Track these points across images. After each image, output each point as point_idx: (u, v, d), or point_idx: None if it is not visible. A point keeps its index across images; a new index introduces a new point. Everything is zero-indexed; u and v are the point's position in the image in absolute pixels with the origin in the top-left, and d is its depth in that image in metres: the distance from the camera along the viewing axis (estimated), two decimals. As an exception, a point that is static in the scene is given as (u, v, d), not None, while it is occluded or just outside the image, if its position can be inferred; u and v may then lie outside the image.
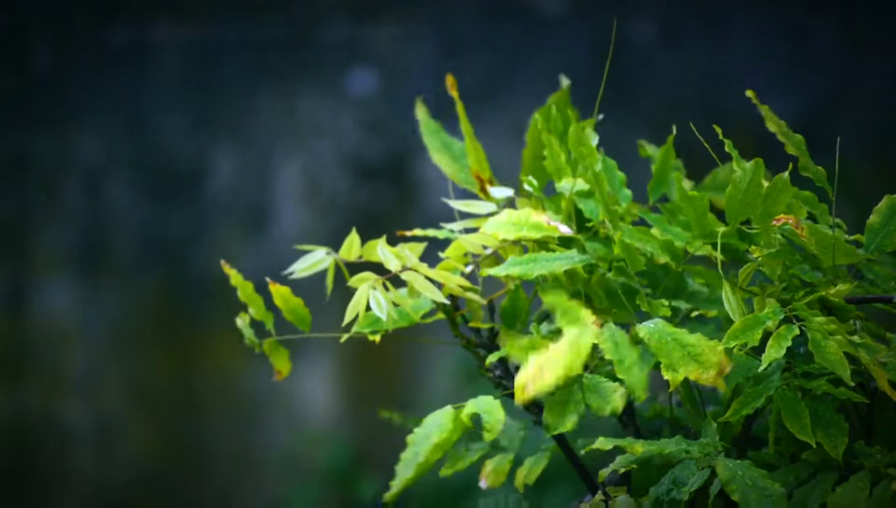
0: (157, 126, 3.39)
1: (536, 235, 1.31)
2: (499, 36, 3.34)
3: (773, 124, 1.28)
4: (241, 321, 1.40)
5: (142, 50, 3.39)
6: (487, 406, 1.27)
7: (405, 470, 1.24)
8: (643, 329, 1.22)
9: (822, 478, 1.22)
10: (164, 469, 3.37)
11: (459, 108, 1.43)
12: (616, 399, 1.24)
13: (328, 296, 1.34)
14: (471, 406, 1.27)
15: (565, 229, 1.31)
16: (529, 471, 1.40)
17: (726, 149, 1.29)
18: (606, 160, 1.39)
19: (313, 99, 3.39)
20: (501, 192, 1.40)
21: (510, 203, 1.40)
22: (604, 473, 1.26)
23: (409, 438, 1.26)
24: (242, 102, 3.39)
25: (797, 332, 1.21)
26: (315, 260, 1.36)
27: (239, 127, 3.39)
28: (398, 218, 3.32)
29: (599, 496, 1.29)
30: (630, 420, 1.40)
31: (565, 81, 1.43)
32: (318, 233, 3.35)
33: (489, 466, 1.42)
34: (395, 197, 3.38)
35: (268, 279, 1.37)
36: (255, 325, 1.41)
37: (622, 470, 1.26)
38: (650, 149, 1.47)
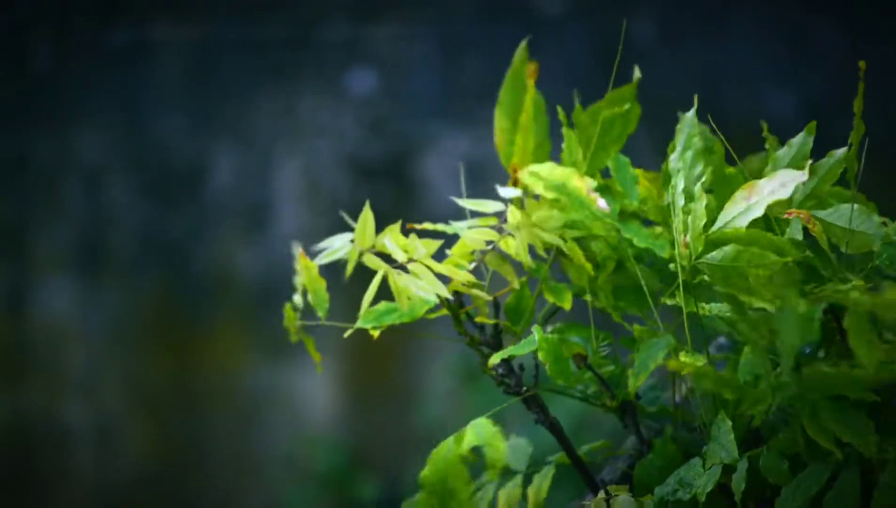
0: (157, 126, 3.39)
1: (576, 208, 1.28)
2: (499, 36, 3.34)
3: (858, 105, 1.27)
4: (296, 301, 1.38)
5: (142, 50, 3.39)
6: (488, 436, 1.25)
7: None
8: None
9: (846, 479, 1.21)
10: (163, 469, 3.37)
11: (530, 95, 1.38)
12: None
13: (347, 275, 1.33)
14: (471, 436, 1.26)
15: (604, 205, 1.29)
16: (539, 488, 1.39)
17: (767, 147, 1.29)
18: (619, 157, 1.38)
19: (313, 99, 3.39)
20: (510, 192, 1.39)
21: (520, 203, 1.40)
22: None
23: (428, 483, 1.25)
24: (242, 102, 3.39)
25: (825, 305, 1.19)
26: (338, 244, 1.34)
27: (239, 127, 3.39)
28: (398, 218, 3.32)
29: (601, 495, 1.29)
30: (632, 419, 1.40)
31: (637, 74, 1.39)
32: (317, 232, 3.35)
33: (502, 498, 1.41)
34: (395, 197, 3.38)
35: (300, 250, 1.36)
36: (272, 327, 1.40)
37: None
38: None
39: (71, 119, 3.39)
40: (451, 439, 1.26)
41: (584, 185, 1.29)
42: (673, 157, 1.29)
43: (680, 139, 1.29)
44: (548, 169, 1.30)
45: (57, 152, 3.39)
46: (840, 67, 3.31)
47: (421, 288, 1.27)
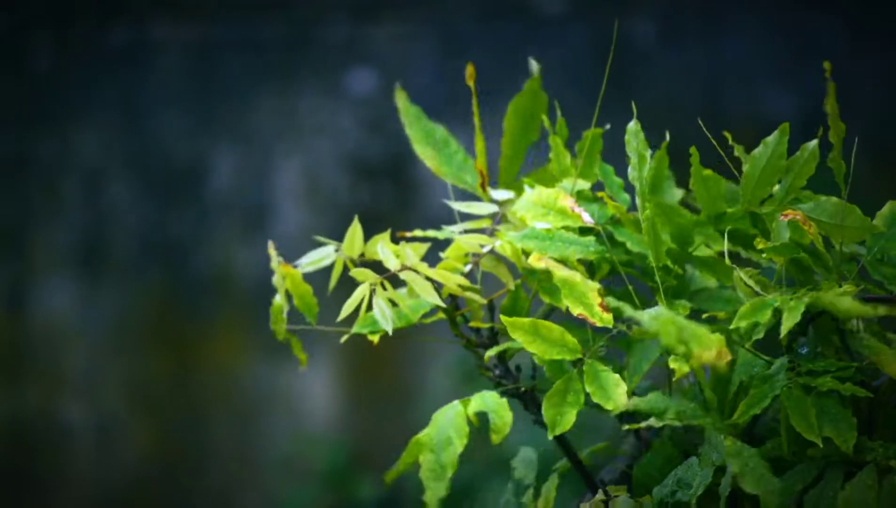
0: (157, 126, 3.39)
1: (561, 222, 1.31)
2: (499, 36, 3.34)
3: (831, 105, 1.26)
4: (277, 302, 1.38)
5: (142, 50, 3.39)
6: (495, 405, 1.26)
7: (436, 485, 1.23)
8: (645, 315, 1.21)
9: (829, 478, 1.21)
10: (163, 469, 3.37)
11: (475, 102, 1.42)
12: (618, 395, 1.23)
13: (330, 290, 1.33)
14: (476, 403, 1.26)
15: (588, 219, 1.31)
16: (546, 499, 1.39)
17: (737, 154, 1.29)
18: (603, 165, 1.39)
19: (313, 99, 3.39)
20: (501, 194, 1.40)
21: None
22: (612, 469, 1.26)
23: (425, 441, 1.25)
24: (242, 102, 3.39)
25: (809, 300, 1.18)
26: (322, 255, 1.35)
27: (239, 127, 3.39)
28: (398, 218, 3.32)
29: (600, 496, 1.29)
30: (630, 419, 1.40)
31: (535, 66, 1.43)
32: (317, 233, 3.33)
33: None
34: (395, 197, 3.38)
35: (280, 261, 1.36)
36: (269, 315, 1.39)
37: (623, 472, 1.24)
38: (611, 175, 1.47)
39: (71, 119, 3.39)
40: (456, 402, 1.27)
41: (568, 202, 1.30)
42: (629, 169, 1.31)
43: (630, 150, 1.30)
44: (536, 193, 1.32)
45: (57, 152, 3.39)
46: (840, 67, 3.30)
47: (384, 317, 1.28)
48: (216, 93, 3.39)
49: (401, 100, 1.46)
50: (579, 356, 1.25)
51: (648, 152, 1.30)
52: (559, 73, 3.27)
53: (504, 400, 1.26)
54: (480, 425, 1.27)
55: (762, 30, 3.33)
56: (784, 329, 1.18)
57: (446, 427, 1.25)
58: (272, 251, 1.36)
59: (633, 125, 1.31)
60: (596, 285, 1.25)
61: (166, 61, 3.39)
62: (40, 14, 3.40)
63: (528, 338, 1.25)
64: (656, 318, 1.19)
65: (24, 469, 3.38)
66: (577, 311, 1.24)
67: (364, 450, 3.34)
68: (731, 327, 1.20)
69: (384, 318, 1.29)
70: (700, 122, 1.29)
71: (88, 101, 3.39)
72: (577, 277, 1.25)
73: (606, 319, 1.24)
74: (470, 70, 1.40)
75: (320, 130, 3.39)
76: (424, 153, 1.44)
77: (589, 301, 1.24)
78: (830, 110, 1.26)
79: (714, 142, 1.30)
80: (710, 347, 1.16)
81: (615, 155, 1.42)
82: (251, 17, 3.39)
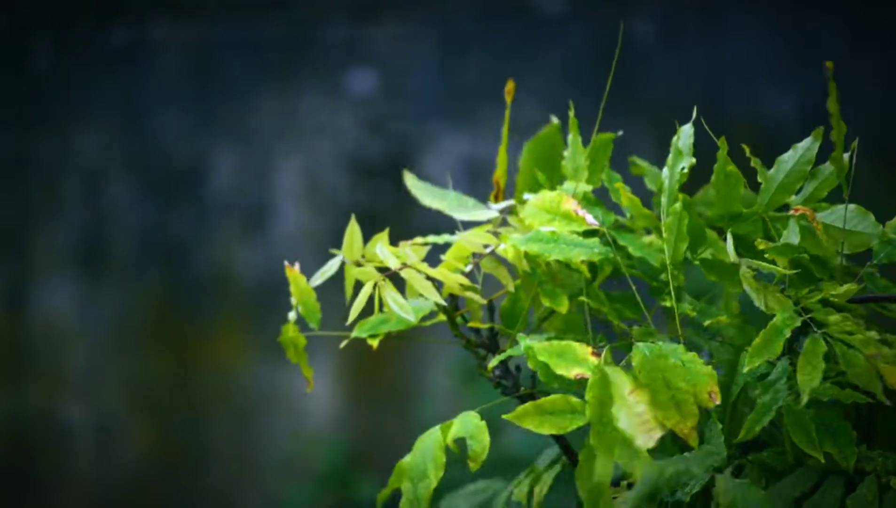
0: (157, 126, 3.39)
1: (566, 226, 1.30)
2: (499, 36, 3.34)
3: (834, 105, 1.26)
4: (293, 316, 1.38)
5: (142, 50, 3.39)
6: (474, 430, 1.25)
7: None
8: (639, 354, 1.20)
9: (829, 486, 1.21)
10: (163, 469, 3.37)
11: (507, 117, 1.43)
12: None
13: (348, 299, 1.33)
14: (457, 427, 1.26)
15: (592, 221, 1.31)
16: (541, 488, 1.39)
17: (752, 164, 1.28)
18: (611, 173, 1.39)
19: (313, 99, 3.39)
20: (500, 205, 1.41)
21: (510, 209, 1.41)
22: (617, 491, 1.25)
23: (407, 467, 1.25)
24: (242, 102, 3.39)
25: (825, 349, 1.16)
26: (330, 265, 1.35)
27: (239, 127, 3.39)
28: (398, 218, 3.32)
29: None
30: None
31: (555, 120, 1.45)
32: (317, 232, 3.35)
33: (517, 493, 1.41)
34: (395, 197, 3.37)
35: (285, 263, 1.36)
36: (271, 326, 1.39)
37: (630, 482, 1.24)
38: (643, 166, 1.47)
39: (71, 119, 3.39)
40: (437, 428, 1.27)
41: (572, 205, 1.30)
42: (665, 167, 1.30)
43: (673, 145, 1.30)
44: (540, 198, 1.32)
45: (57, 152, 3.39)
46: (840, 67, 3.30)
47: (402, 308, 1.28)
48: (216, 93, 3.39)
49: (409, 179, 1.48)
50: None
51: (691, 154, 1.29)
52: (559, 73, 3.27)
53: (483, 423, 1.25)
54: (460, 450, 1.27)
55: (762, 30, 3.33)
56: (803, 386, 1.15)
57: (424, 457, 1.25)
58: (289, 270, 1.36)
59: (688, 127, 1.30)
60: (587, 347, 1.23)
61: (166, 61, 3.39)
62: (40, 14, 3.40)
63: (537, 420, 1.23)
64: (646, 363, 1.17)
65: (24, 469, 3.38)
66: (573, 373, 1.20)
67: (364, 450, 3.34)
68: (745, 370, 1.19)
69: (401, 308, 1.29)
70: (703, 121, 1.29)
71: (88, 101, 3.39)
72: (560, 344, 1.22)
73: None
74: (509, 87, 1.40)
75: (320, 130, 3.39)
76: (440, 205, 1.46)
77: (581, 357, 1.21)
78: (833, 110, 1.26)
79: (716, 140, 1.30)
80: (689, 419, 1.15)
81: (616, 154, 1.42)
82: (251, 17, 3.39)
